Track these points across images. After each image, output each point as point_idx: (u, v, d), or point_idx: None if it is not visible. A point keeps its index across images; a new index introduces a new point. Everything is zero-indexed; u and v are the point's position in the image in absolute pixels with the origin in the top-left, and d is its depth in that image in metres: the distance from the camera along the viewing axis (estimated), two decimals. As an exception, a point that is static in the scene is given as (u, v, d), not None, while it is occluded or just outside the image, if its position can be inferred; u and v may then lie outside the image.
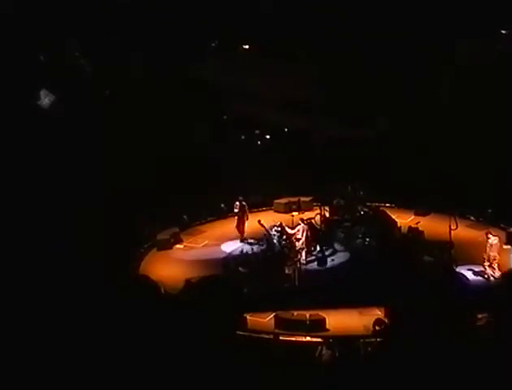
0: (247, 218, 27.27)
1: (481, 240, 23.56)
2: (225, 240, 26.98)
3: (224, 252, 26.01)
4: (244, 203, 27.36)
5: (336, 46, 29.11)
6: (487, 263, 22.81)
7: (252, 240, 25.94)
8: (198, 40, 29.72)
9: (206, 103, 30.49)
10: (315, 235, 25.28)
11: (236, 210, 27.41)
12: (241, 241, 26.70)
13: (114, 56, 29.26)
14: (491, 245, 22.91)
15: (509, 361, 3.83)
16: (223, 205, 26.90)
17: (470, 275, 22.69)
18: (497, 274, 22.22)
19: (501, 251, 23.23)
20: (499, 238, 23.42)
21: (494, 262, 22.68)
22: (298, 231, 24.44)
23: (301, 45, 29.88)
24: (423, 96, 29.46)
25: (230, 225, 27.71)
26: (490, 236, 23.16)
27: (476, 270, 22.87)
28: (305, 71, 29.88)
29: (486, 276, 22.60)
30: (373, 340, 14.47)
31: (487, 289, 4.22)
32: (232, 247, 26.35)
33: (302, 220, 25.13)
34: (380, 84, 28.98)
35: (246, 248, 25.46)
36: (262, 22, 29.82)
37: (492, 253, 22.84)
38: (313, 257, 24.63)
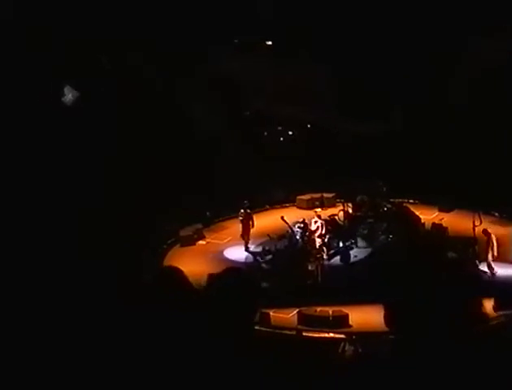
0: (252, 226, 25.93)
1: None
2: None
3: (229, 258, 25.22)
4: (249, 210, 26.14)
5: (351, 44, 29.10)
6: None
7: (257, 249, 25.29)
8: (218, 36, 29.76)
9: (227, 100, 30.51)
10: (338, 231, 25.25)
11: (240, 218, 26.02)
12: (246, 250, 25.56)
13: (130, 56, 29.46)
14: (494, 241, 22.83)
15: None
16: (245, 202, 26.81)
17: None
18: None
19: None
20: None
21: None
22: (318, 227, 24.42)
23: (318, 43, 29.89)
24: (440, 94, 29.39)
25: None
26: (491, 233, 23.03)
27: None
28: (324, 69, 29.91)
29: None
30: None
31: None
32: (236, 255, 25.44)
33: (319, 216, 25.07)
34: (397, 80, 28.96)
35: (250, 257, 25.00)
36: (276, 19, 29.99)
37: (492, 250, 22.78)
38: (334, 253, 24.55)
